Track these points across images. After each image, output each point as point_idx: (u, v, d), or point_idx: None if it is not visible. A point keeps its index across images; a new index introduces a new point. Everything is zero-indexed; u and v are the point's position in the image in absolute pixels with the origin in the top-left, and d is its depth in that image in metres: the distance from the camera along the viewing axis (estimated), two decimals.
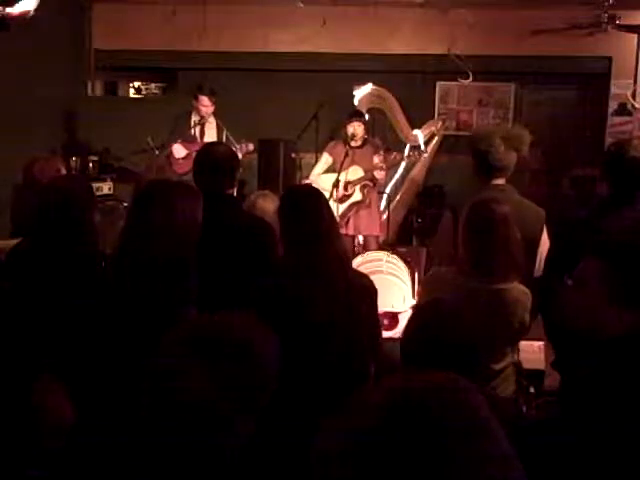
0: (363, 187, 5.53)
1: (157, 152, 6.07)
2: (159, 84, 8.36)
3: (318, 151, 5.99)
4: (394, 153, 5.91)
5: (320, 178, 5.59)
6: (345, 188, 5.46)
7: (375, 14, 7.09)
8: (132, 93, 8.36)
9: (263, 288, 2.45)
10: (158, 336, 1.42)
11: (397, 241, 6.57)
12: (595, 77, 7.43)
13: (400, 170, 6.88)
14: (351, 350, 2.41)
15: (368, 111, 6.67)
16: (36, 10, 4.57)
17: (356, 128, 5.41)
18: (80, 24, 7.30)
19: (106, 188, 6.22)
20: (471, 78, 7.22)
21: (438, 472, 0.77)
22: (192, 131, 5.93)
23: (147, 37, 7.18)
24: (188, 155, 5.64)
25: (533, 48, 7.04)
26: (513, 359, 2.68)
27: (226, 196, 2.93)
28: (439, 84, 7.65)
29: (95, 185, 5.85)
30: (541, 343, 3.24)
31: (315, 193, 2.68)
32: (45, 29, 5.84)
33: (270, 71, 7.32)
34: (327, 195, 4.49)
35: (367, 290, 2.54)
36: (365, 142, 5.55)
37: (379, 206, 6.05)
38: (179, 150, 5.82)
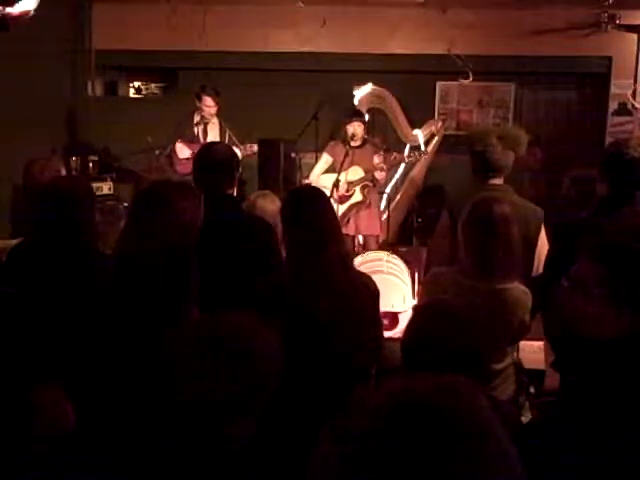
0: (363, 187, 5.54)
1: (157, 152, 6.07)
2: (159, 84, 8.35)
3: (318, 151, 6.00)
4: (394, 153, 5.91)
5: (320, 178, 5.59)
6: (345, 188, 5.46)
7: (375, 14, 7.09)
8: (132, 93, 8.35)
9: (264, 288, 2.46)
10: (159, 336, 1.42)
11: (397, 241, 6.57)
12: (595, 77, 7.43)
13: (400, 170, 6.88)
14: (353, 351, 2.41)
15: (368, 111, 6.67)
16: (36, 10, 4.57)
17: (356, 128, 5.42)
18: (80, 24, 7.30)
19: (106, 188, 6.22)
20: (471, 78, 7.22)
21: (440, 475, 0.77)
22: (195, 131, 5.92)
23: (147, 37, 7.17)
24: (192, 155, 5.64)
25: (533, 48, 7.04)
26: (513, 358, 2.68)
27: (226, 196, 2.93)
28: (439, 84, 7.65)
29: (95, 185, 5.84)
30: (541, 343, 3.25)
31: (318, 194, 2.69)
32: (45, 29, 5.84)
33: (270, 71, 7.32)
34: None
35: (369, 291, 2.54)
36: (365, 142, 5.56)
37: (379, 206, 6.05)
38: (183, 150, 5.80)
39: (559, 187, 7.22)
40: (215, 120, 5.95)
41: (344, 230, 5.21)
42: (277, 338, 1.43)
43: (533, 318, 2.68)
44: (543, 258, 2.98)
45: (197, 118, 5.92)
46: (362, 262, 4.41)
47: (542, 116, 7.70)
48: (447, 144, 7.05)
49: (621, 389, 1.47)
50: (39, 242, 2.64)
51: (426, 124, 6.88)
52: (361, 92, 6.86)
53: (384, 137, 6.74)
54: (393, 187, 6.90)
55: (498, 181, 3.16)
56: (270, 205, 3.44)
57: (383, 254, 4.64)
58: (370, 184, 5.54)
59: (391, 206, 6.39)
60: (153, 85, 8.35)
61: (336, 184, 5.32)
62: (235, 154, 3.16)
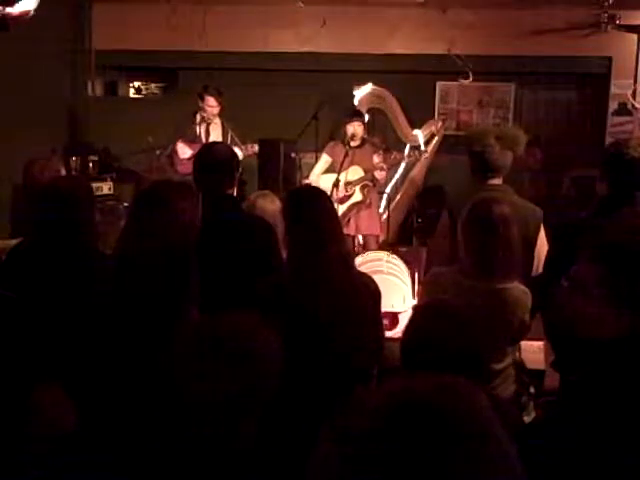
0: (363, 187, 5.54)
1: (158, 152, 6.07)
2: (159, 84, 8.35)
3: (318, 151, 6.00)
4: (394, 153, 5.91)
5: (320, 178, 5.59)
6: (345, 188, 5.47)
7: (375, 14, 7.09)
8: (132, 93, 8.35)
9: (264, 288, 2.45)
10: (159, 336, 1.42)
11: (397, 241, 6.57)
12: (595, 77, 7.42)
13: (400, 170, 6.88)
14: (353, 351, 2.41)
15: (368, 111, 6.67)
16: (36, 10, 4.57)
17: (356, 128, 5.42)
18: (80, 24, 7.29)
19: (106, 188, 6.21)
20: (471, 78, 7.22)
21: (440, 475, 0.77)
22: (197, 131, 5.90)
23: (147, 37, 7.17)
24: (193, 156, 5.63)
25: (533, 48, 7.04)
26: (515, 358, 2.68)
27: (226, 196, 2.93)
28: (439, 84, 7.65)
29: (95, 185, 5.84)
30: (541, 343, 3.24)
31: (319, 193, 2.69)
32: (45, 29, 5.84)
33: (270, 71, 7.32)
34: None
35: (370, 291, 2.53)
36: (364, 142, 5.56)
37: (379, 206, 6.05)
38: (184, 150, 5.79)
39: (559, 187, 7.22)
40: (217, 120, 5.94)
41: (345, 230, 5.21)
42: (277, 338, 1.43)
43: (533, 318, 2.68)
44: (543, 258, 2.98)
45: (199, 118, 5.91)
46: (362, 262, 4.41)
47: (542, 116, 7.70)
48: (447, 144, 7.05)
49: (621, 389, 1.47)
50: (39, 242, 2.64)
51: (426, 124, 6.88)
52: (361, 92, 6.86)
53: (384, 137, 6.74)
54: (393, 187, 6.90)
55: (497, 181, 3.16)
56: (270, 205, 3.44)
57: (383, 254, 4.64)
58: (370, 184, 5.54)
59: (391, 206, 6.39)
60: (153, 85, 8.35)
61: (336, 184, 5.32)
62: (235, 154, 3.16)
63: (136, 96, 8.31)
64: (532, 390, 2.84)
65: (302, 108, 6.53)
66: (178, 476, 1.28)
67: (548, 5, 6.84)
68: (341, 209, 5.38)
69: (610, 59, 7.19)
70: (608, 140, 6.98)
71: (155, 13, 7.09)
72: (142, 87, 8.30)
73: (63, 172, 4.32)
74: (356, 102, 6.79)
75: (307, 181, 5.80)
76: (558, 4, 6.79)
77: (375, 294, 2.55)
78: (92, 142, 7.13)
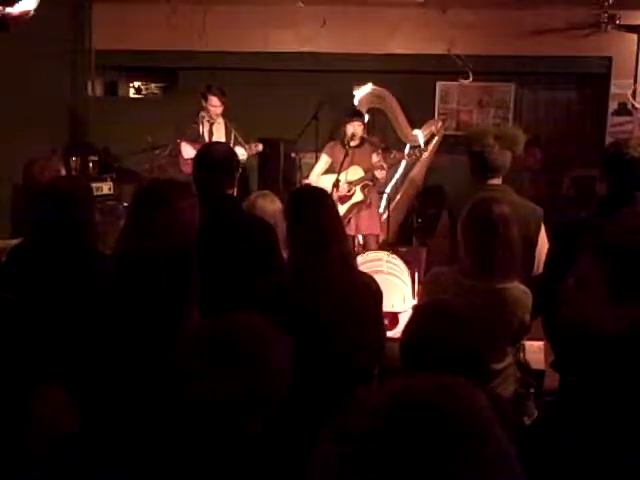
0: (364, 187, 5.54)
1: (157, 152, 6.07)
2: (159, 84, 8.35)
3: (318, 151, 5.99)
4: (393, 152, 5.91)
5: (320, 179, 5.59)
6: (346, 189, 5.46)
7: (375, 14, 7.09)
8: (132, 93, 8.35)
9: (265, 288, 2.45)
10: (160, 336, 1.42)
11: (397, 241, 6.57)
12: (595, 77, 7.42)
13: (400, 170, 6.88)
14: (354, 351, 2.41)
15: (368, 111, 6.67)
16: (36, 10, 4.57)
17: (356, 128, 5.42)
18: (80, 24, 7.29)
19: (106, 188, 6.21)
20: (471, 78, 7.22)
21: (440, 475, 0.77)
22: (200, 131, 5.89)
23: (147, 37, 7.17)
24: None
25: (533, 48, 7.04)
26: (517, 358, 2.67)
27: (226, 196, 2.92)
28: (439, 84, 7.65)
29: (95, 185, 5.84)
30: (541, 343, 3.24)
31: (320, 193, 2.69)
32: (45, 29, 5.84)
33: (270, 71, 7.32)
34: None
35: (372, 291, 2.53)
36: (363, 141, 5.56)
37: (379, 206, 6.05)
38: (188, 150, 5.77)
39: (559, 187, 7.22)
40: (221, 120, 5.91)
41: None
42: (287, 340, 1.43)
43: (534, 318, 2.68)
44: (543, 257, 2.98)
45: (202, 118, 5.89)
46: (362, 262, 4.40)
47: (542, 116, 7.70)
48: (447, 144, 7.05)
49: (621, 389, 1.47)
50: (39, 242, 2.64)
51: (426, 124, 6.88)
52: (361, 92, 6.86)
53: (383, 136, 6.73)
54: (393, 187, 6.90)
55: (497, 181, 3.17)
56: (270, 205, 3.44)
57: (383, 254, 4.64)
58: (370, 183, 5.54)
59: (391, 206, 6.39)
60: (153, 85, 8.35)
61: (336, 184, 5.32)
62: (235, 154, 3.16)
63: (136, 96, 8.31)
64: (532, 390, 2.84)
65: (302, 108, 6.53)
66: (179, 476, 1.28)
67: (548, 5, 6.84)
68: (342, 209, 5.38)
69: (610, 59, 7.19)
70: (608, 140, 6.98)
71: (155, 13, 7.09)
72: (142, 87, 8.30)
73: (63, 172, 4.31)
74: (356, 102, 6.79)
75: (307, 181, 5.80)
76: (558, 4, 6.79)
77: (376, 294, 2.55)
78: (92, 142, 7.13)
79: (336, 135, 5.96)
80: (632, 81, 7.10)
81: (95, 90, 7.69)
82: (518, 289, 2.57)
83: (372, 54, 7.15)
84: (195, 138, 5.80)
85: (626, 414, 1.43)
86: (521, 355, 2.87)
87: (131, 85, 8.32)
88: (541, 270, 2.99)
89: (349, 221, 5.52)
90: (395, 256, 4.66)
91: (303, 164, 6.53)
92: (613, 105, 7.29)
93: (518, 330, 2.60)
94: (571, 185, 7.09)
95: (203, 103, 5.86)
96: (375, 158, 5.54)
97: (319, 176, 5.64)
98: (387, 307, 3.74)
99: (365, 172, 5.48)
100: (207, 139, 5.80)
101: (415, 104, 7.09)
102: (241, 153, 5.56)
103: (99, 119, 7.20)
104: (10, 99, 5.67)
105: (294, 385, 1.43)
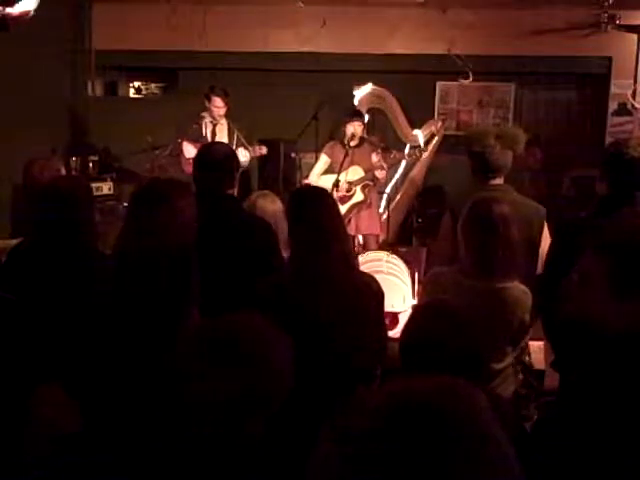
0: (364, 187, 5.54)
1: (157, 152, 6.06)
2: (159, 84, 8.35)
3: (318, 151, 5.99)
4: (393, 152, 5.91)
5: (320, 179, 5.59)
6: (346, 189, 5.46)
7: (375, 14, 7.09)
8: (132, 93, 8.35)
9: (265, 288, 2.45)
10: (160, 336, 1.42)
11: (397, 241, 6.57)
12: (595, 77, 7.43)
13: (400, 170, 6.88)
14: (354, 351, 2.41)
15: (368, 111, 6.67)
16: (36, 10, 4.57)
17: (356, 128, 5.42)
18: (80, 24, 7.29)
19: (106, 188, 6.21)
20: (471, 78, 7.22)
21: (439, 476, 0.77)
22: (203, 132, 5.87)
23: (147, 37, 7.17)
24: None
25: (533, 48, 7.04)
26: (522, 360, 2.67)
27: (226, 196, 2.92)
28: (439, 84, 7.65)
29: (95, 185, 5.85)
30: (541, 343, 3.24)
31: (322, 193, 2.69)
32: (45, 29, 5.83)
33: (270, 71, 7.32)
34: None
35: (373, 291, 2.53)
36: (362, 141, 5.56)
37: (379, 206, 6.06)
38: (190, 150, 5.75)
39: (559, 187, 7.22)
40: (224, 121, 5.89)
41: None
42: (289, 340, 1.43)
43: (535, 318, 2.68)
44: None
45: (203, 119, 5.87)
46: (362, 262, 4.41)
47: (542, 116, 7.70)
48: (447, 144, 7.05)
49: (621, 388, 1.47)
50: (39, 242, 2.64)
51: (426, 124, 6.88)
52: (361, 92, 6.86)
53: (384, 137, 6.73)
54: (393, 187, 6.90)
55: (499, 181, 3.16)
56: (270, 205, 3.44)
57: (383, 254, 4.64)
58: (370, 183, 5.54)
59: (391, 206, 6.39)
60: (153, 85, 8.35)
61: (336, 184, 5.32)
62: (235, 154, 3.16)
63: (136, 96, 8.31)
64: (533, 393, 2.84)
65: (302, 108, 6.53)
66: (179, 476, 1.28)
67: (548, 5, 6.84)
68: (342, 209, 5.37)
69: (610, 59, 7.19)
70: (608, 140, 6.98)
71: (155, 13, 7.09)
72: (142, 87, 8.30)
73: (63, 172, 4.32)
74: (356, 102, 6.79)
75: (307, 181, 5.80)
76: (558, 4, 6.79)
77: (377, 294, 2.54)
78: (92, 142, 7.13)
79: (336, 135, 5.96)
80: (632, 81, 7.10)
81: (95, 90, 7.69)
82: (518, 289, 2.57)
83: (372, 54, 7.15)
84: (197, 138, 5.77)
85: (626, 414, 1.43)
86: (526, 358, 2.87)
87: (131, 85, 8.32)
88: None
89: (349, 221, 5.52)
90: (395, 256, 4.67)
91: (303, 164, 6.53)
92: (613, 105, 7.29)
93: (518, 330, 2.60)
94: (571, 185, 7.10)
95: (206, 104, 5.83)
96: (375, 158, 5.54)
97: (319, 176, 5.64)
98: (387, 307, 3.73)
99: (365, 172, 5.48)
100: (210, 140, 5.78)
101: (415, 104, 7.09)
102: (243, 154, 5.55)
103: (99, 119, 7.20)
104: (10, 99, 5.67)
105: (294, 385, 1.43)
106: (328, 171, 5.63)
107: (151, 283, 2.11)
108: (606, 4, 6.45)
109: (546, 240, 3.06)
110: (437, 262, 3.16)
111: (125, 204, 5.67)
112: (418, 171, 7.03)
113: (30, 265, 2.60)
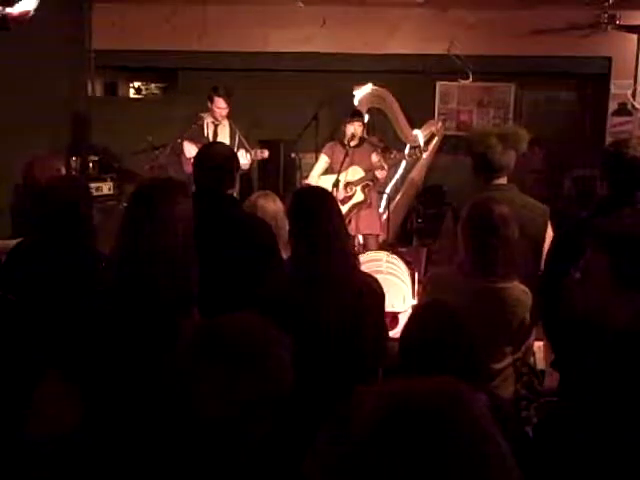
0: (364, 187, 5.53)
1: (157, 152, 6.06)
2: (159, 84, 8.35)
3: (318, 151, 5.99)
4: (393, 152, 5.90)
5: (320, 179, 5.58)
6: (346, 189, 5.46)
7: (375, 14, 7.09)
8: (132, 93, 8.35)
9: (265, 288, 2.45)
10: (160, 336, 1.41)
11: (397, 241, 6.57)
12: (595, 77, 7.42)
13: (400, 170, 6.88)
14: (356, 352, 2.41)
15: (368, 111, 6.67)
16: (36, 10, 4.57)
17: (356, 128, 5.42)
18: (80, 24, 7.29)
19: (106, 188, 6.21)
20: (471, 78, 7.22)
21: (437, 476, 0.77)
22: (204, 132, 5.85)
23: (147, 37, 7.17)
24: None
25: (533, 48, 7.04)
26: (524, 359, 2.67)
27: (226, 196, 2.92)
28: (439, 84, 7.65)
29: (95, 185, 5.86)
30: (541, 343, 3.24)
31: (324, 193, 2.68)
32: (45, 29, 5.83)
33: (270, 71, 7.32)
34: None
35: (374, 292, 2.52)
36: (362, 141, 5.56)
37: (379, 206, 6.05)
38: (191, 150, 5.72)
39: (560, 187, 7.22)
40: (225, 122, 5.85)
41: None
42: (290, 341, 1.43)
43: (534, 318, 2.67)
44: None
45: (203, 119, 5.85)
46: (362, 262, 4.40)
47: (542, 116, 7.70)
48: (447, 144, 7.06)
49: (621, 388, 1.47)
50: (39, 242, 2.64)
51: (426, 124, 6.88)
52: (361, 92, 6.86)
53: (384, 137, 6.73)
54: (393, 187, 6.90)
55: (502, 181, 3.16)
56: (271, 205, 3.44)
57: (383, 254, 4.64)
58: (371, 183, 5.54)
59: (391, 206, 6.39)
60: (153, 85, 8.35)
61: (336, 185, 5.31)
62: (235, 154, 3.16)
63: (136, 96, 8.31)
64: (533, 396, 2.84)
65: (302, 108, 6.53)
66: (180, 476, 1.28)
67: (548, 5, 6.84)
68: (342, 210, 5.37)
69: (610, 59, 7.19)
70: (608, 140, 6.97)
71: (155, 13, 7.09)
72: (142, 87, 8.30)
73: (63, 172, 4.32)
74: (356, 102, 6.79)
75: (307, 182, 5.80)
76: (558, 4, 6.79)
77: (378, 294, 2.54)
78: (92, 142, 7.13)
79: (336, 135, 5.96)
80: (632, 81, 7.10)
81: (95, 90, 7.69)
82: (518, 289, 2.57)
83: (372, 54, 7.14)
84: (198, 138, 5.75)
85: (626, 414, 1.43)
86: (531, 359, 2.87)
87: (131, 85, 8.32)
88: None
89: (349, 221, 5.52)
90: (395, 256, 4.67)
91: (303, 164, 6.53)
92: (613, 105, 7.29)
93: (518, 330, 2.59)
94: (572, 185, 7.10)
95: (209, 104, 5.80)
96: (375, 158, 5.53)
97: (319, 176, 5.64)
98: (387, 307, 3.73)
99: (365, 172, 5.47)
100: (211, 141, 5.75)
101: (415, 104, 7.09)
102: (244, 157, 5.52)
103: (99, 119, 7.20)
104: (10, 99, 5.66)
105: (294, 385, 1.42)
106: (328, 171, 5.63)
107: (151, 283, 2.11)
108: (606, 4, 6.45)
109: (550, 239, 3.07)
110: (439, 263, 3.15)
111: (125, 204, 5.66)
112: (418, 171, 7.03)
113: (30, 265, 2.60)
